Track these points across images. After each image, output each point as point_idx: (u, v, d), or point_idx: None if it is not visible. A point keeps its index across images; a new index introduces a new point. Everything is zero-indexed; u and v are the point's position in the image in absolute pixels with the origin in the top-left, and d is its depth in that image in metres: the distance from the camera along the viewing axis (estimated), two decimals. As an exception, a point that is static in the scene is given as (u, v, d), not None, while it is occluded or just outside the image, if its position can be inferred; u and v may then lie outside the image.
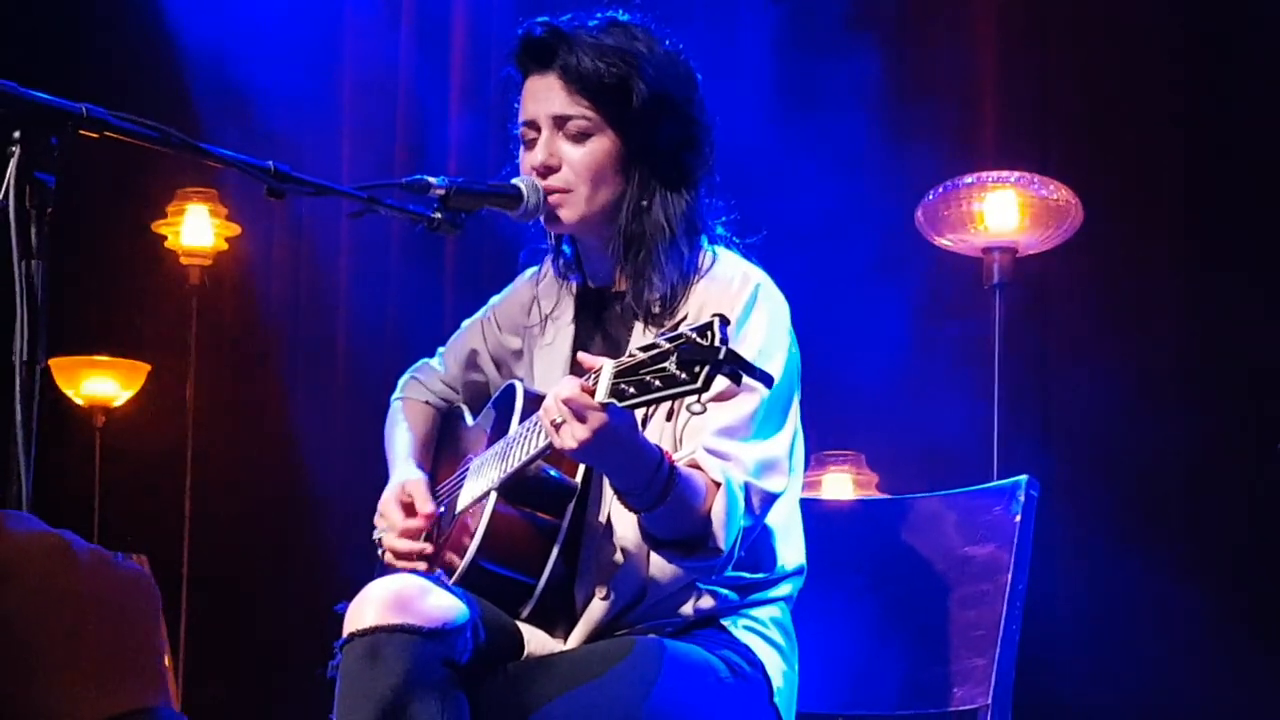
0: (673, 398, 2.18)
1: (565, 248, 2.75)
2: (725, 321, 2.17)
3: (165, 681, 1.61)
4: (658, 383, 2.18)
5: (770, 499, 2.52)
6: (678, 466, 2.40)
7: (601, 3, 2.70)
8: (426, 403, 2.94)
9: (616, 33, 2.62)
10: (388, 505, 2.72)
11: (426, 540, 2.67)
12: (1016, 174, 4.79)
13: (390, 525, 2.69)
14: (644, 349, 2.20)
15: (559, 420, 2.30)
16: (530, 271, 2.85)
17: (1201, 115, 4.82)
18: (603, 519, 2.56)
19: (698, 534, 2.43)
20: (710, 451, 2.48)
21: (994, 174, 4.81)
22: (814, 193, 5.08)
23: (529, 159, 2.64)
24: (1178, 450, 4.79)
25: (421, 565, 2.63)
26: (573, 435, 2.29)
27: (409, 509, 2.70)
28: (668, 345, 2.17)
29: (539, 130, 2.63)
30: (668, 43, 2.65)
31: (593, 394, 2.26)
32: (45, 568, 1.55)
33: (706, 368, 2.14)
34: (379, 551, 2.72)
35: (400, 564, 2.66)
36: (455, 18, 5.70)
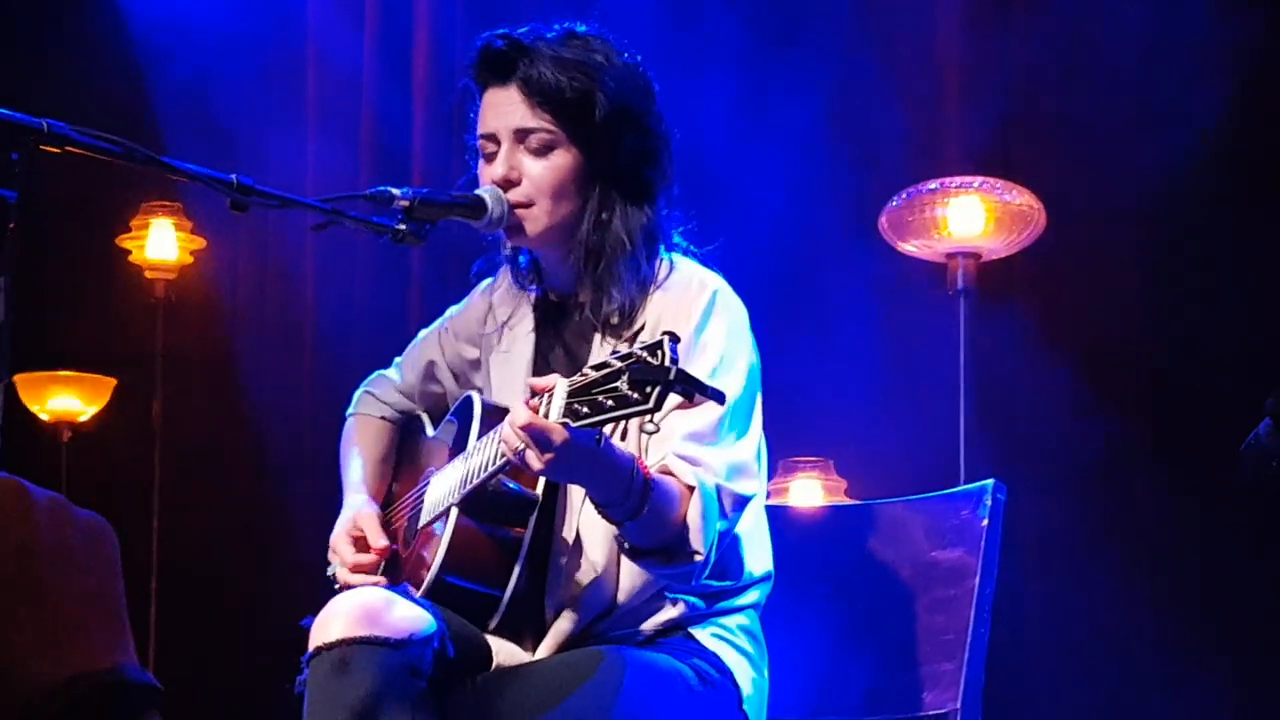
0: (625, 417, 2.18)
1: (522, 258, 2.75)
2: (675, 340, 2.16)
3: (128, 637, 1.57)
4: (610, 402, 2.17)
5: (742, 502, 2.52)
6: (652, 473, 2.40)
7: (561, 13, 2.69)
8: (382, 417, 2.92)
9: (575, 45, 2.61)
10: (339, 541, 2.70)
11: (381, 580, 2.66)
12: (980, 179, 4.81)
13: (342, 561, 2.68)
14: (596, 368, 2.20)
15: (520, 448, 2.30)
16: (486, 282, 2.85)
17: (1164, 119, 4.84)
18: (570, 532, 2.56)
19: (675, 540, 2.43)
20: (680, 457, 2.48)
21: (957, 180, 4.82)
22: (778, 199, 5.10)
23: (488, 172, 2.63)
24: (1144, 453, 4.81)
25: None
26: (538, 459, 2.29)
27: (360, 543, 2.69)
28: (619, 365, 2.17)
29: (499, 143, 2.63)
30: (625, 54, 2.64)
31: (546, 416, 2.26)
32: (1, 513, 1.50)
33: (658, 388, 2.14)
34: (334, 587, 2.70)
35: None
36: (417, 29, 5.69)
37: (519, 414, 2.28)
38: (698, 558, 2.42)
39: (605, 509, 2.40)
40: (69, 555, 1.55)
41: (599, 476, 2.35)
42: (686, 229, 2.71)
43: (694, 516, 2.42)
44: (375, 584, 2.62)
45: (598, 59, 2.60)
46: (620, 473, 2.35)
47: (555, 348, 2.70)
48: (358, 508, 2.74)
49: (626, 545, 2.44)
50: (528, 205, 2.61)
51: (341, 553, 2.68)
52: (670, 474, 2.45)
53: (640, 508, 2.37)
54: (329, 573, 2.72)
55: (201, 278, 5.95)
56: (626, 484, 2.35)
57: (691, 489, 2.44)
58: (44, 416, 5.85)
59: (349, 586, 2.64)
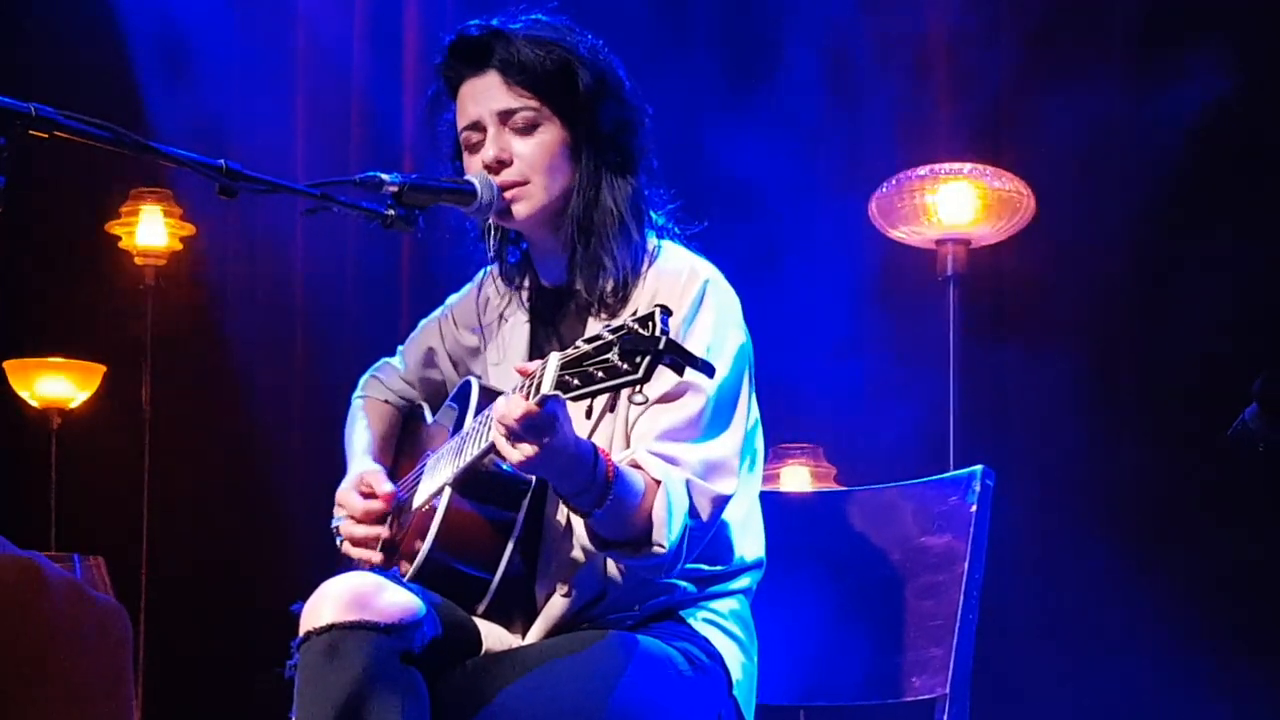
0: (615, 388, 2.19)
1: (511, 250, 2.76)
2: (666, 312, 2.18)
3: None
4: (600, 374, 2.19)
5: (720, 500, 2.52)
6: (618, 465, 2.41)
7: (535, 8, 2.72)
8: (386, 401, 2.94)
9: (546, 27, 2.65)
10: (346, 493, 2.72)
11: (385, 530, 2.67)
12: (969, 166, 4.81)
13: (349, 511, 2.69)
14: (588, 340, 2.22)
15: (506, 434, 2.31)
16: (485, 270, 2.86)
17: (1153, 105, 4.85)
18: (561, 517, 2.56)
19: (640, 534, 2.44)
20: (654, 454, 2.49)
21: (947, 166, 4.83)
22: (768, 185, 5.10)
23: (476, 160, 2.64)
24: (1132, 438, 4.82)
25: (377, 558, 2.63)
26: (521, 450, 2.31)
27: (368, 495, 2.70)
28: (610, 337, 2.19)
29: (484, 130, 2.64)
30: (590, 35, 2.68)
31: (535, 390, 2.27)
32: (14, 592, 1.50)
33: (648, 358, 2.15)
34: (337, 541, 2.71)
35: (356, 552, 2.66)
36: (407, 13, 5.69)
37: (514, 405, 2.30)
38: (659, 550, 2.43)
39: (569, 500, 2.42)
40: (80, 638, 1.54)
41: (566, 467, 2.36)
42: (671, 209, 2.72)
43: (659, 511, 2.43)
44: (379, 536, 2.63)
45: (568, 38, 2.64)
46: (584, 464, 2.36)
47: (551, 337, 2.71)
48: (364, 467, 2.76)
49: (596, 536, 2.45)
50: (522, 184, 2.62)
51: (349, 503, 2.69)
52: (640, 468, 2.46)
53: (602, 499, 2.38)
54: (333, 524, 2.72)
55: (191, 264, 5.94)
56: (589, 474, 2.37)
57: (658, 483, 2.45)
58: (33, 403, 5.84)
59: (353, 537, 2.65)
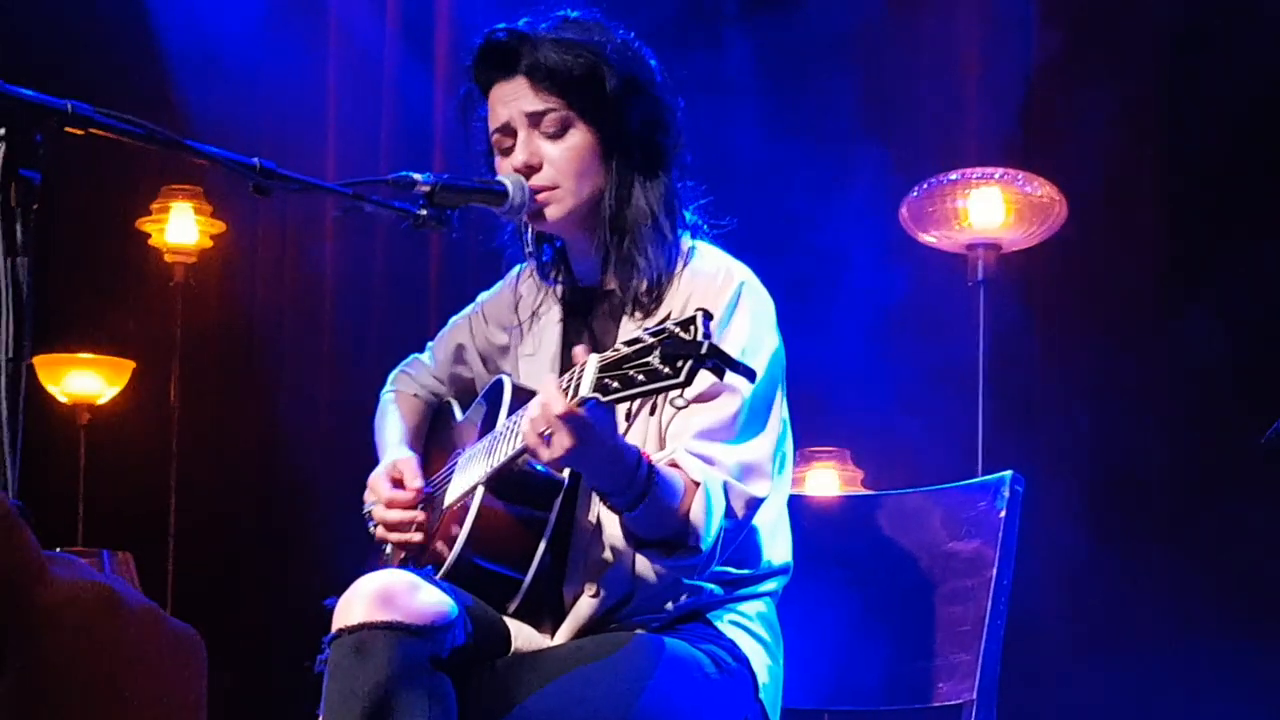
0: (656, 392, 2.19)
1: (546, 248, 2.76)
2: (708, 316, 2.17)
3: None
4: (641, 377, 2.19)
5: (754, 503, 2.52)
6: (657, 466, 2.41)
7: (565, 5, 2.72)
8: (416, 395, 2.95)
9: (573, 27, 2.65)
10: (377, 479, 2.72)
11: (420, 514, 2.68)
12: (1000, 170, 4.81)
13: (378, 498, 2.69)
14: (628, 343, 2.21)
15: (546, 431, 2.31)
16: (519, 268, 2.86)
17: (1184, 110, 4.84)
18: (592, 517, 2.56)
19: (677, 534, 2.44)
20: (691, 453, 2.49)
21: (978, 170, 4.82)
22: (798, 188, 5.10)
23: (507, 164, 2.64)
24: (1161, 444, 4.81)
25: (417, 538, 2.63)
26: (560, 445, 2.31)
27: (398, 483, 2.70)
28: (651, 340, 2.18)
29: (514, 133, 2.64)
30: (620, 31, 2.67)
31: (573, 392, 2.27)
32: (90, 618, 1.49)
33: (690, 362, 2.15)
34: (369, 526, 2.72)
35: (392, 536, 2.66)
36: (439, 13, 5.70)
37: (554, 400, 2.29)
38: (697, 553, 2.44)
39: (606, 497, 2.42)
40: (155, 664, 1.53)
41: (607, 466, 2.37)
42: (702, 204, 2.72)
43: (697, 512, 2.43)
44: (410, 520, 2.64)
45: (597, 37, 2.64)
46: (626, 464, 2.37)
47: (583, 335, 2.71)
48: (397, 455, 2.76)
49: (630, 534, 2.45)
50: (553, 188, 2.63)
51: (379, 489, 2.70)
52: (678, 468, 2.46)
53: (641, 499, 2.38)
54: (365, 510, 2.73)
55: (221, 262, 5.96)
56: (630, 475, 2.37)
57: (697, 484, 2.45)
58: (62, 398, 5.86)
59: (386, 522, 2.66)
